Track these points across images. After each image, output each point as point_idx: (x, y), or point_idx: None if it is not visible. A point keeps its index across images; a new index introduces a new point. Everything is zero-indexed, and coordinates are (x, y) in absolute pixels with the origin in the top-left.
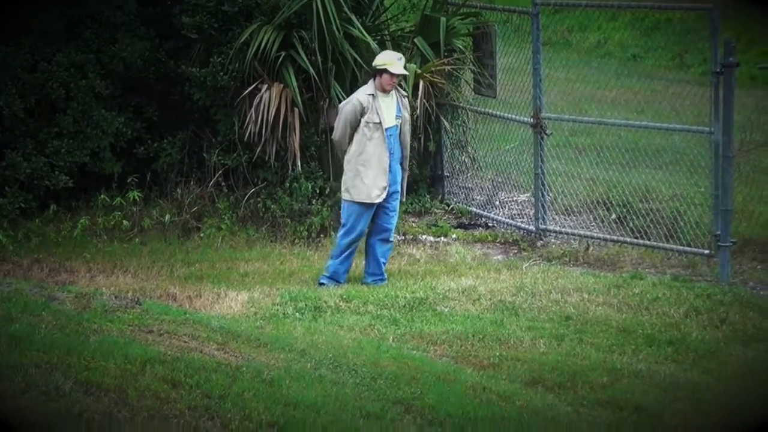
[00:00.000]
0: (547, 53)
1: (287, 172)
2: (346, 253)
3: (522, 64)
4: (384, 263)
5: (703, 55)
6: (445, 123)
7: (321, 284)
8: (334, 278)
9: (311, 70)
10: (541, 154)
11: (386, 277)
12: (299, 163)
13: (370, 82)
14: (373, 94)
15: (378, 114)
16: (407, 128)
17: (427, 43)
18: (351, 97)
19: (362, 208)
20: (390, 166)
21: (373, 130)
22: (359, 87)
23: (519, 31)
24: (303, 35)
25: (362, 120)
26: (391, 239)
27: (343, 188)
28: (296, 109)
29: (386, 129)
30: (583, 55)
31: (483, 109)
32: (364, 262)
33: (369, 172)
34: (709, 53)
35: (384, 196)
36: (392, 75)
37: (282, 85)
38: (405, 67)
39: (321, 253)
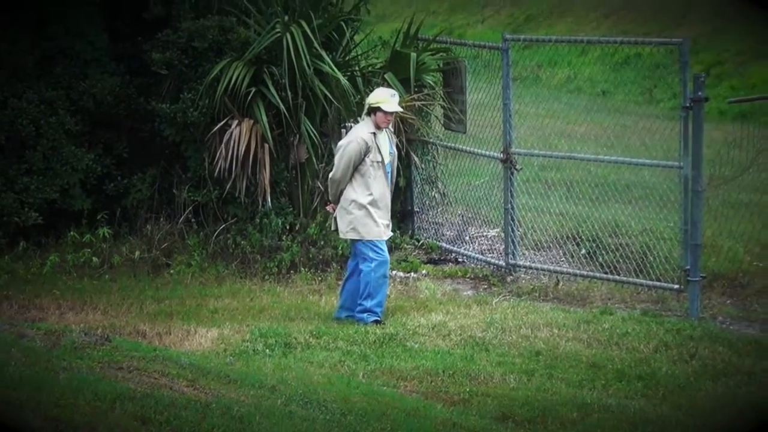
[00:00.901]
0: (517, 89)
1: (257, 208)
2: (379, 284)
3: (492, 99)
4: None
5: (672, 89)
6: (415, 158)
7: (376, 322)
8: (372, 311)
9: (281, 106)
10: (511, 189)
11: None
12: (269, 199)
13: (367, 120)
14: (374, 133)
15: (380, 152)
16: (395, 164)
17: (398, 79)
18: (352, 135)
19: (377, 242)
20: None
21: (377, 169)
22: (329, 122)
23: (489, 67)
24: (273, 71)
25: (366, 159)
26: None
27: (345, 228)
28: (266, 145)
29: (385, 164)
30: (552, 90)
31: (453, 145)
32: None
33: (378, 212)
34: (678, 88)
35: (389, 233)
36: (386, 113)
37: (252, 121)
38: (399, 104)
39: (291, 289)
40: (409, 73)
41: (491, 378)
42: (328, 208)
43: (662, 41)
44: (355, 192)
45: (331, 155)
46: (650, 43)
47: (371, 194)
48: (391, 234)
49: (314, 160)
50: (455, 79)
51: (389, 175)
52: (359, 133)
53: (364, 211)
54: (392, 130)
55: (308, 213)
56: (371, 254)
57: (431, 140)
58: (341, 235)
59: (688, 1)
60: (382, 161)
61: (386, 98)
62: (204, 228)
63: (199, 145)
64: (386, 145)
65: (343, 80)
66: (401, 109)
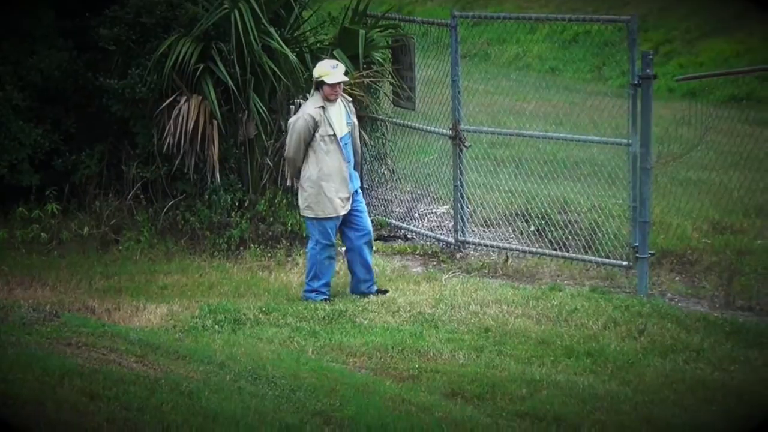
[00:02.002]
0: (465, 66)
1: (206, 184)
2: (326, 266)
3: (441, 76)
4: (372, 265)
5: (621, 67)
6: (365, 135)
7: (325, 300)
8: (320, 291)
9: (230, 82)
10: (460, 166)
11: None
12: (218, 176)
13: (316, 95)
14: (323, 107)
15: (331, 125)
16: (357, 133)
17: (346, 56)
18: (300, 112)
19: (329, 221)
20: (350, 172)
21: (329, 143)
22: (278, 98)
23: (438, 44)
24: (221, 47)
25: (316, 134)
26: (373, 239)
27: (303, 206)
28: (215, 121)
29: (340, 138)
30: (502, 67)
31: (402, 122)
32: (350, 275)
33: (331, 186)
34: (627, 66)
35: (348, 207)
36: (331, 85)
37: (201, 97)
38: (345, 73)
39: (240, 265)
40: (358, 50)
41: (440, 354)
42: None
43: (611, 19)
44: (308, 169)
45: (281, 131)
46: (599, 20)
47: (323, 169)
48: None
49: (263, 137)
50: (404, 56)
51: (348, 146)
52: (306, 108)
53: (317, 188)
54: (350, 99)
55: (257, 189)
56: (318, 236)
57: (380, 117)
58: (301, 214)
59: None
60: (335, 135)
61: (328, 70)
62: (153, 204)
63: (148, 122)
64: (341, 116)
65: (292, 56)
66: (346, 79)
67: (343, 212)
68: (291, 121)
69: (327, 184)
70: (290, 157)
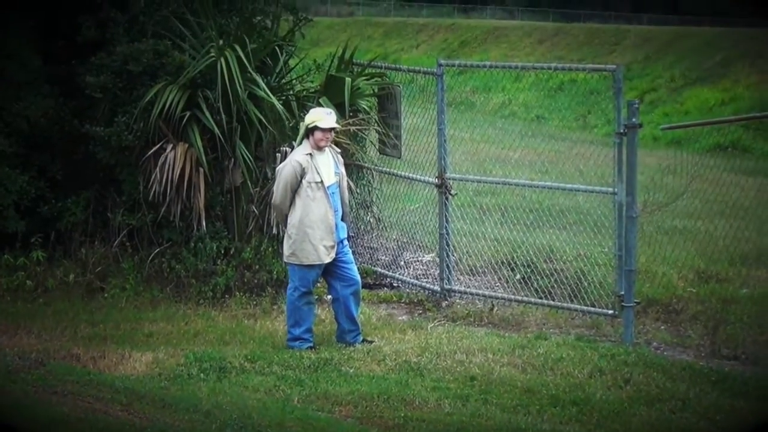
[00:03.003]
0: (451, 114)
1: (192, 232)
2: (305, 311)
3: (427, 124)
4: (357, 316)
5: (606, 116)
6: (351, 183)
7: (310, 348)
8: (303, 338)
9: (216, 130)
10: (446, 214)
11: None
12: (204, 223)
13: (305, 143)
14: (310, 154)
15: (318, 173)
16: (345, 184)
17: (333, 104)
18: (288, 159)
19: (311, 269)
20: (336, 223)
21: (316, 190)
22: (264, 146)
23: (424, 92)
24: (208, 95)
25: (303, 181)
26: (360, 290)
27: (287, 252)
28: (201, 169)
29: (327, 187)
30: (487, 115)
31: (388, 170)
32: (336, 324)
33: (316, 233)
34: (612, 114)
35: (333, 255)
36: (324, 130)
37: (187, 145)
38: (337, 122)
39: (226, 313)
40: (344, 98)
41: (426, 403)
42: None
43: (596, 68)
44: (294, 215)
45: (267, 179)
46: (584, 69)
47: (309, 216)
48: (332, 257)
49: (249, 184)
50: (390, 104)
51: (335, 195)
52: (294, 155)
53: (301, 235)
54: (338, 150)
55: (243, 237)
56: (297, 281)
57: (366, 165)
58: (285, 260)
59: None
60: (322, 182)
61: (322, 116)
62: (139, 252)
63: (134, 169)
64: (329, 165)
65: (278, 104)
66: (339, 126)
67: (327, 260)
68: (278, 168)
69: (312, 230)
70: (277, 203)
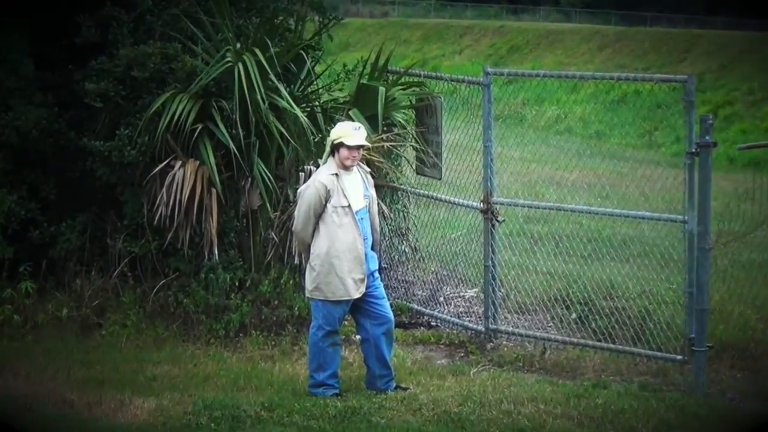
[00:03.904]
0: (499, 129)
1: (202, 261)
2: (329, 354)
3: (471, 141)
4: (390, 359)
5: (675, 133)
6: (384, 208)
7: (336, 395)
8: (327, 384)
9: (231, 145)
10: (492, 243)
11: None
12: (216, 252)
13: (330, 161)
14: (336, 174)
15: (345, 196)
16: (375, 208)
17: (364, 116)
18: (311, 180)
19: (337, 305)
20: (365, 253)
21: (342, 215)
22: (285, 164)
23: (468, 104)
24: (223, 105)
25: (328, 205)
26: (393, 330)
27: (310, 286)
28: (214, 190)
29: (356, 212)
30: (540, 131)
31: (426, 192)
32: (365, 368)
33: (343, 265)
34: (682, 131)
35: (362, 289)
36: (350, 148)
37: (198, 162)
38: (367, 138)
39: (240, 354)
40: (377, 110)
41: None
42: None
43: (664, 78)
44: (318, 244)
45: (288, 202)
46: (651, 79)
47: (335, 245)
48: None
49: (268, 208)
50: (430, 118)
51: (365, 221)
52: (317, 176)
53: (327, 267)
54: (367, 170)
55: (260, 268)
56: (321, 320)
57: (401, 187)
58: (307, 295)
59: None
60: (350, 206)
61: (349, 131)
62: (141, 283)
63: (137, 189)
64: (357, 187)
65: (302, 116)
66: (368, 144)
67: (356, 295)
68: (300, 189)
69: (338, 261)
70: (298, 230)
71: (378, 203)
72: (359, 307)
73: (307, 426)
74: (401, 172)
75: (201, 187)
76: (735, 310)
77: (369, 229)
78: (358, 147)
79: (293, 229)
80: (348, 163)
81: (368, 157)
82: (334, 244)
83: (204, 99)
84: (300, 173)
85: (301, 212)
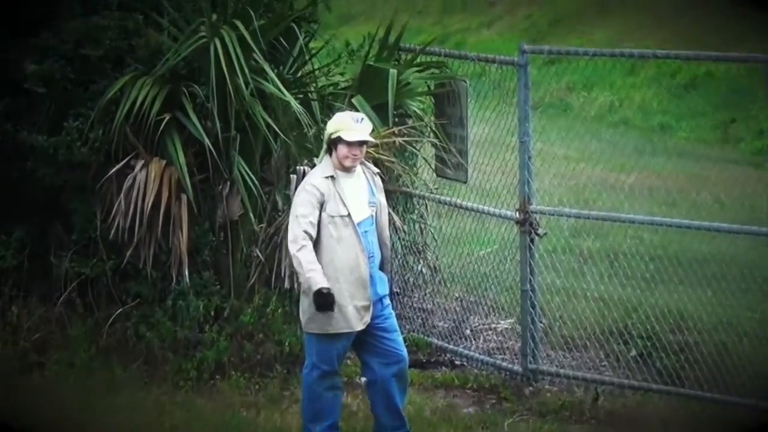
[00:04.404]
0: (539, 121)
1: (169, 285)
2: (327, 400)
3: (504, 135)
4: (403, 408)
5: (758, 125)
6: (395, 218)
7: None
8: None
9: (206, 141)
10: (531, 262)
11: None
12: (187, 273)
13: (326, 161)
14: (332, 176)
15: (344, 203)
16: (385, 218)
17: (370, 105)
18: (302, 183)
19: (336, 340)
20: (371, 275)
21: (341, 227)
22: (273, 164)
23: (500, 89)
24: (196, 91)
25: (323, 214)
26: (407, 370)
27: (304, 317)
28: (184, 196)
29: (359, 223)
30: (589, 123)
31: (449, 199)
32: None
33: (342, 288)
34: (766, 123)
35: (367, 319)
36: (351, 144)
37: (164, 162)
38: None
39: (216, 401)
40: (387, 97)
41: None
42: None
43: (743, 57)
44: None
45: (277, 211)
46: (726, 59)
47: (333, 263)
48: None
49: (252, 218)
50: (452, 107)
51: (370, 234)
52: (310, 179)
53: None
54: (376, 171)
55: (242, 293)
56: (316, 357)
57: (417, 192)
58: (303, 328)
59: None
60: (350, 215)
61: (348, 124)
62: (93, 313)
63: (89, 195)
64: (361, 192)
65: (294, 104)
66: (372, 139)
67: (359, 327)
68: (294, 198)
69: (337, 285)
70: (292, 247)
71: (388, 212)
72: (365, 343)
73: None
74: (417, 174)
75: (168, 193)
76: None
77: (376, 245)
78: (361, 143)
79: (289, 243)
80: (347, 163)
81: (376, 155)
82: (332, 263)
83: (172, 83)
84: (292, 175)
85: (294, 223)
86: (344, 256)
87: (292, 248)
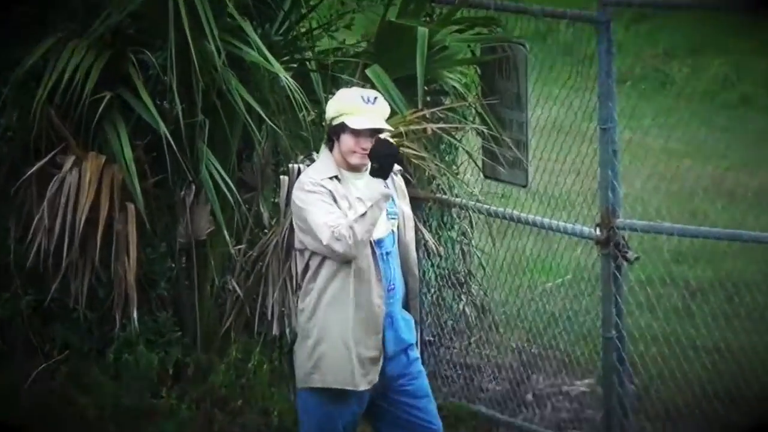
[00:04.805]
0: (627, 100)
1: (111, 330)
2: None
3: (578, 120)
4: None
5: None
6: (427, 236)
7: None
8: None
9: (163, 128)
10: (618, 298)
11: None
12: (135, 314)
13: (325, 155)
14: (336, 177)
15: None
16: (412, 236)
17: (391, 78)
18: (298, 185)
19: (341, 404)
20: (389, 314)
21: None
22: (255, 160)
23: (572, 56)
24: (147, 59)
25: None
26: None
27: (300, 371)
28: (131, 206)
29: (376, 242)
30: (696, 102)
31: (502, 210)
32: None
33: (347, 329)
34: None
35: (373, 377)
36: (358, 134)
37: (104, 158)
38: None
39: None
40: (415, 67)
41: None
42: None
43: None
44: (309, 294)
45: (260, 225)
46: None
47: (339, 299)
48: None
49: (226, 237)
50: (507, 81)
51: (389, 258)
52: (308, 178)
53: (319, 332)
54: (398, 169)
55: (212, 342)
56: (309, 425)
57: (458, 200)
58: (297, 384)
59: None
60: None
61: (355, 104)
62: (5, 368)
63: (0, 203)
64: None
65: (285, 77)
66: (390, 128)
67: (362, 386)
68: (294, 195)
69: (345, 326)
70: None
71: (416, 228)
72: (384, 412)
73: None
74: (457, 174)
75: (109, 202)
76: None
77: (398, 273)
78: (373, 132)
79: (330, 240)
80: (354, 160)
81: (400, 149)
82: (338, 298)
83: (115, 49)
84: (281, 177)
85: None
86: (353, 287)
87: (344, 232)
